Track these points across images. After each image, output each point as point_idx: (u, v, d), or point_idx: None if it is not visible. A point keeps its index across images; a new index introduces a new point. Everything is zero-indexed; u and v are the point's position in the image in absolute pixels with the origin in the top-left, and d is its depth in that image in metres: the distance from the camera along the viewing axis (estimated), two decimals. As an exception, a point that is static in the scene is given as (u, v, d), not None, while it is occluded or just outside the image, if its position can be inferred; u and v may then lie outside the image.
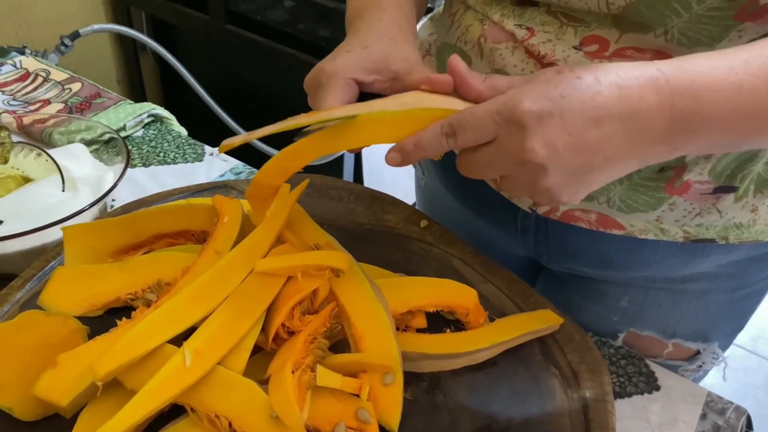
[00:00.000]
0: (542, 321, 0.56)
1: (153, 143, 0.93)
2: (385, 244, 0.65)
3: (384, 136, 0.46)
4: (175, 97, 2.09)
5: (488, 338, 0.54)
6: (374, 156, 1.68)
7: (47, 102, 0.99)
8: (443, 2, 0.67)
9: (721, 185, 0.55)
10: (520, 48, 0.55)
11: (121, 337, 0.46)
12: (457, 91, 0.47)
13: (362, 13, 0.56)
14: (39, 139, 0.85)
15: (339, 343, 0.53)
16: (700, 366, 0.70)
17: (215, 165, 0.89)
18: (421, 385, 0.52)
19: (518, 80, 0.45)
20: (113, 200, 0.79)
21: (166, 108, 0.99)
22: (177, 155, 0.90)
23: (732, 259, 0.62)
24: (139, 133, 0.95)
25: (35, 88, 1.02)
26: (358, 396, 0.47)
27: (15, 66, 1.08)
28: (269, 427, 0.44)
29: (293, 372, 0.46)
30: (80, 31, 1.57)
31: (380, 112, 0.46)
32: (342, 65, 0.50)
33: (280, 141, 0.48)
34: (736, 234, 0.58)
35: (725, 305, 0.66)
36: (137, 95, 2.05)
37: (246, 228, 0.56)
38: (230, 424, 0.45)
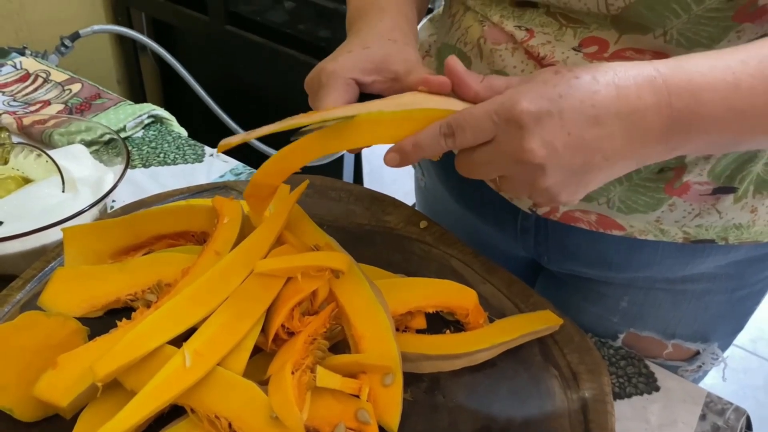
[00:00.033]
0: (542, 322, 0.56)
1: (153, 144, 0.93)
2: (385, 245, 0.65)
3: (382, 136, 0.46)
4: (175, 98, 2.09)
5: (488, 339, 0.54)
6: (374, 156, 1.68)
7: (47, 103, 0.99)
8: (443, 3, 0.68)
9: (721, 186, 0.55)
10: (519, 49, 0.55)
11: (121, 338, 0.47)
12: (455, 91, 0.47)
13: (363, 14, 0.56)
14: (39, 139, 0.85)
15: (339, 343, 0.53)
16: (700, 366, 0.70)
17: (215, 166, 0.89)
18: (421, 386, 0.52)
19: (516, 80, 0.45)
20: (113, 201, 0.79)
21: (166, 109, 0.99)
22: (177, 156, 0.90)
23: (731, 260, 0.62)
24: (139, 134, 0.95)
25: (35, 89, 1.02)
26: (357, 397, 0.47)
27: (15, 67, 1.08)
28: (269, 427, 0.44)
29: (293, 373, 0.46)
30: (80, 31, 1.57)
31: (378, 113, 0.46)
32: (342, 65, 0.51)
33: (279, 141, 0.48)
34: (736, 235, 0.58)
35: (725, 306, 0.66)
36: (137, 96, 2.05)
37: (246, 229, 0.56)
38: (230, 425, 0.45)
